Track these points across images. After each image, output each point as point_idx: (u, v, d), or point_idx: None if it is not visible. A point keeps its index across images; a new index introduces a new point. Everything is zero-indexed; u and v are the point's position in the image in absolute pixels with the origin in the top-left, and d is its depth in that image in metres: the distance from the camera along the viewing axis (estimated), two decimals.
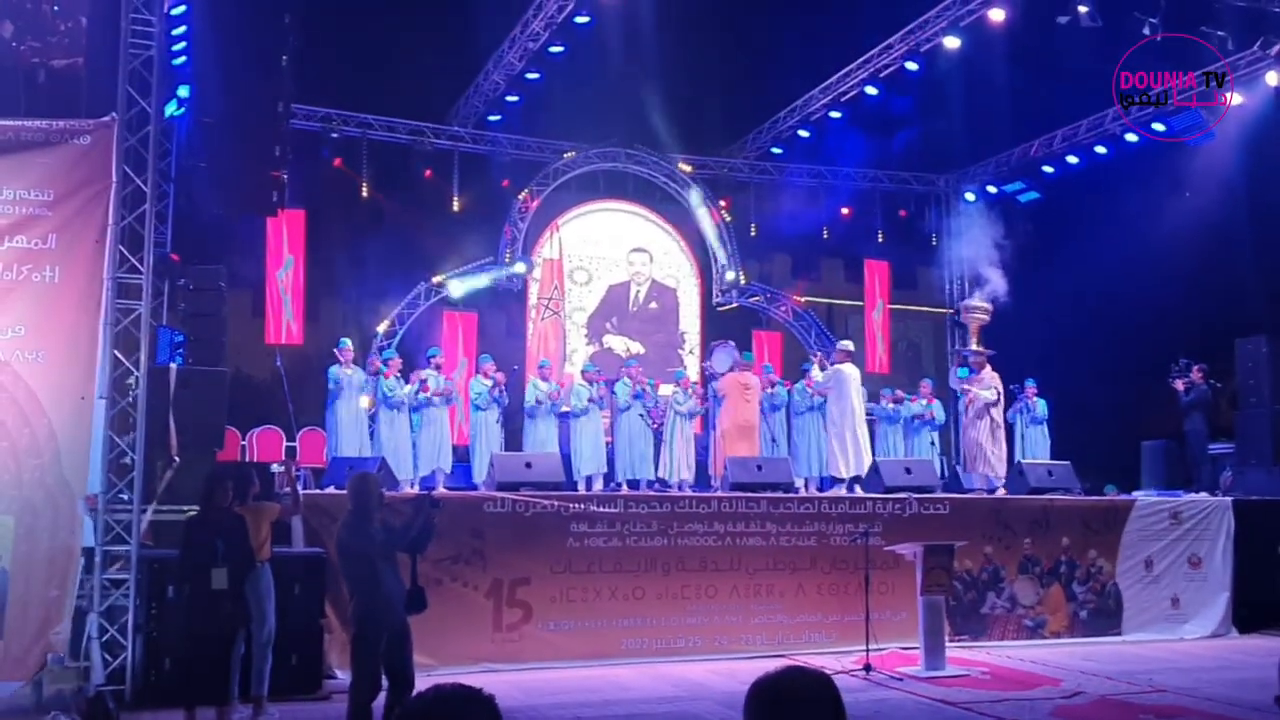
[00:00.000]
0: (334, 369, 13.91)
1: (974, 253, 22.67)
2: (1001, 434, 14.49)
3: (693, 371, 19.52)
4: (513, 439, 15.21)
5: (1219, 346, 16.18)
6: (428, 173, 19.18)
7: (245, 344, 17.84)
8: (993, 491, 13.64)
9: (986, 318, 15.63)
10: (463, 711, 1.88)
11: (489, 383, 14.60)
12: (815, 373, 15.19)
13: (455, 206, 19.51)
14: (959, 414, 17.29)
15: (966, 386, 14.38)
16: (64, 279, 8.88)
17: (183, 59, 12.93)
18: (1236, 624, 13.18)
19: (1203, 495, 14.17)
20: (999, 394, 14.50)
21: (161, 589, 9.07)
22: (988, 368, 14.60)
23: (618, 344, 20.76)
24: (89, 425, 8.97)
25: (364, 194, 18.80)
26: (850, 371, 14.92)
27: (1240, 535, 13.32)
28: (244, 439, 16.37)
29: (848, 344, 15.71)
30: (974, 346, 14.98)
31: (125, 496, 9.22)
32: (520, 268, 19.77)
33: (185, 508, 9.26)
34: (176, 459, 10.10)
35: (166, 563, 8.86)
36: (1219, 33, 15.24)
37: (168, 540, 9.18)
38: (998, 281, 16.77)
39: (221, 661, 7.86)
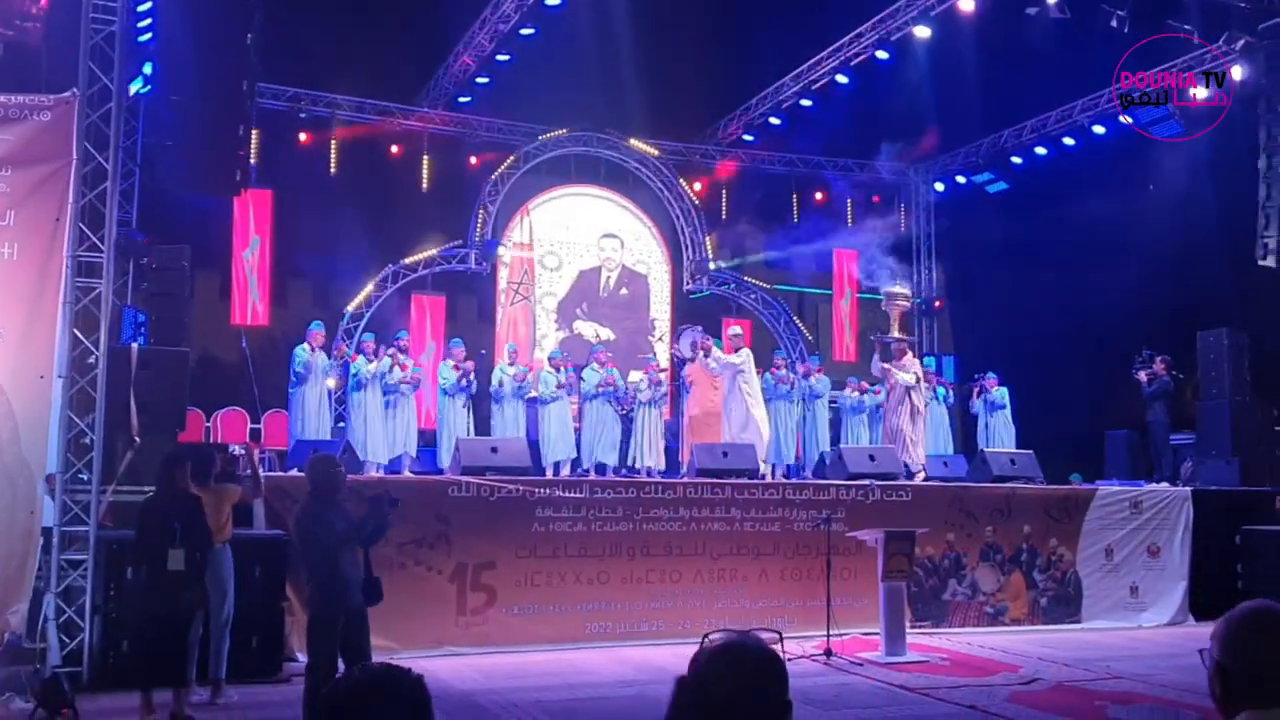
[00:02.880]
0: (300, 350, 13.81)
1: (941, 243, 22.91)
2: (922, 420, 14.58)
3: (663, 358, 19.57)
4: (481, 424, 15.20)
5: (1182, 338, 16.33)
6: (395, 150, 19.00)
7: (212, 325, 17.73)
8: (911, 477, 13.70)
9: (907, 304, 15.75)
10: (388, 691, 1.87)
11: (458, 371, 14.56)
12: (716, 353, 15.19)
13: (424, 188, 19.40)
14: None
15: (887, 367, 14.51)
16: (22, 256, 8.78)
17: (148, 36, 12.81)
18: (1194, 612, 13.31)
19: (1163, 485, 14.32)
20: (919, 379, 14.63)
21: (120, 570, 9.00)
22: (909, 354, 14.71)
23: (587, 330, 20.73)
24: (48, 404, 8.89)
25: (332, 174, 18.66)
26: (751, 355, 15.05)
27: (1199, 525, 13.48)
28: (208, 420, 16.28)
29: (738, 328, 15.79)
30: (895, 334, 15.05)
31: (84, 477, 9.12)
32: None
33: (145, 488, 9.17)
34: (137, 439, 10.03)
35: (125, 544, 8.79)
36: (1185, 26, 15.33)
37: (128, 521, 9.10)
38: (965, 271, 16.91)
39: (179, 643, 7.81)
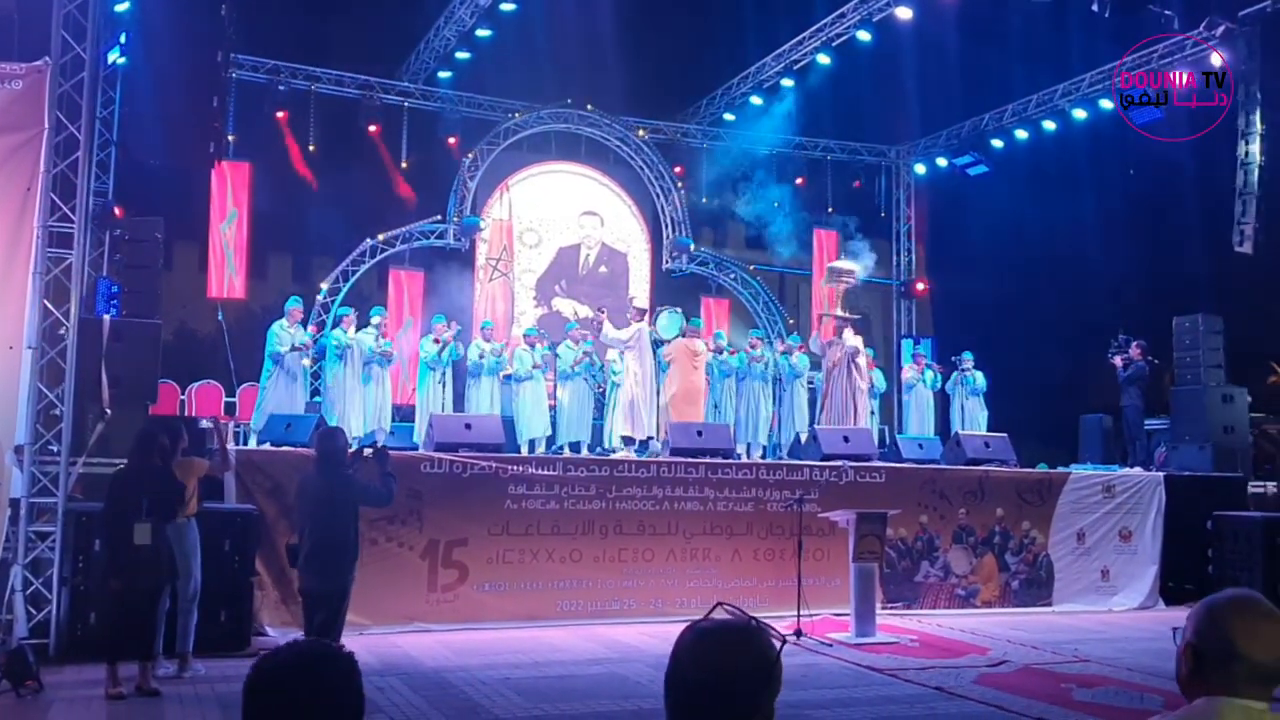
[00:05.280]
0: (277, 325, 13.75)
1: (921, 226, 22.94)
2: (864, 399, 14.63)
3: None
4: (458, 401, 15.16)
5: (1158, 323, 16.39)
6: (373, 126, 18.87)
7: (191, 298, 17.65)
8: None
9: (854, 281, 15.68)
10: (318, 670, 1.85)
11: (439, 344, 14.52)
12: (607, 327, 15.17)
13: (403, 163, 19.28)
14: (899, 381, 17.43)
15: (825, 343, 14.56)
16: None
17: (125, 5, 12.65)
18: (1164, 596, 13.44)
19: (1136, 470, 14.39)
20: (860, 351, 14.69)
21: (89, 542, 8.98)
22: (850, 330, 14.74)
23: (566, 307, 20.65)
24: (17, 375, 8.83)
25: (310, 149, 18.51)
26: (647, 330, 15.02)
27: (1171, 510, 13.56)
28: (183, 393, 16.21)
29: (642, 301, 15.76)
30: (839, 311, 15.02)
31: (54, 448, 9.09)
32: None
33: (116, 461, 9.15)
34: (108, 411, 9.98)
35: (94, 516, 8.77)
36: (1166, 11, 15.33)
37: (98, 493, 9.07)
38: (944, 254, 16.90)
39: (146, 616, 7.79)
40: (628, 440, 14.34)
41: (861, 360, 14.61)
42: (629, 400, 14.49)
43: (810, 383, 17.38)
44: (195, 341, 18.03)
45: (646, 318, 15.43)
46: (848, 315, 15.02)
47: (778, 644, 1.92)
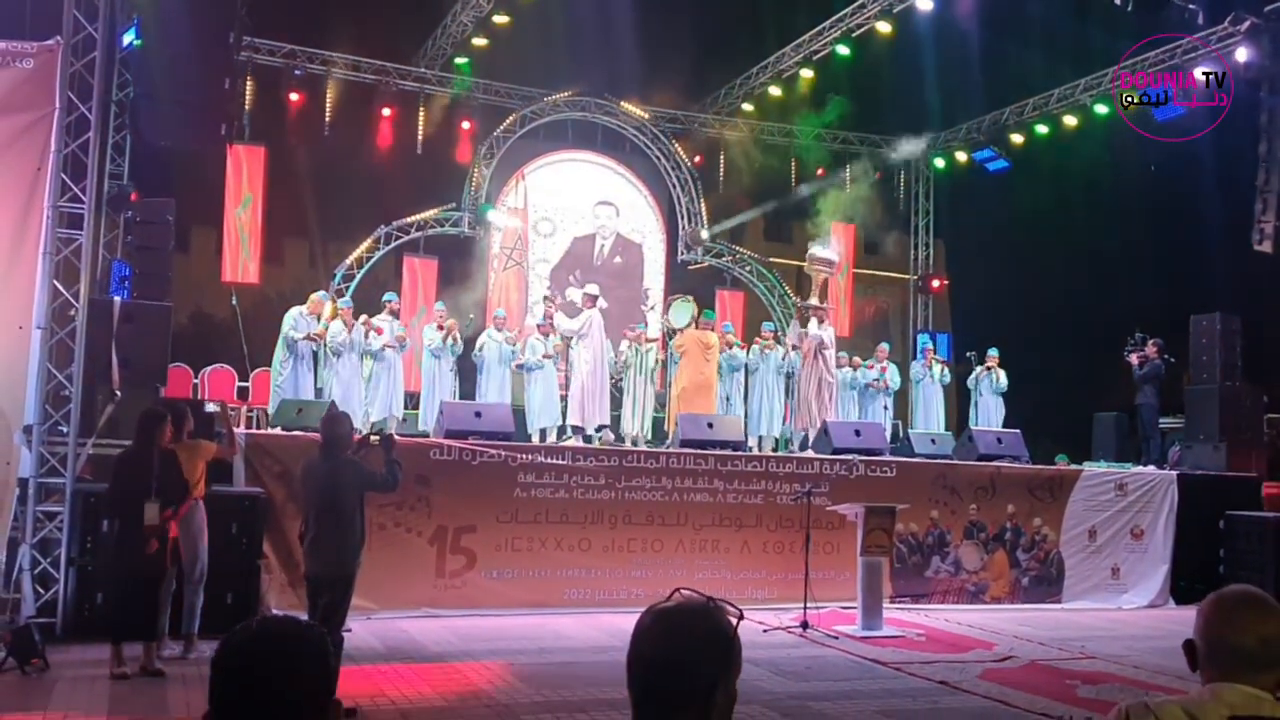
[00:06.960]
0: (295, 310, 13.76)
1: (939, 220, 22.81)
2: (830, 391, 14.54)
3: (654, 329, 19.46)
4: (467, 389, 15.15)
5: (1176, 322, 16.25)
6: (389, 111, 18.84)
7: (207, 281, 17.68)
8: (806, 447, 13.66)
9: (831, 270, 15.51)
10: (286, 647, 1.82)
11: (441, 331, 14.53)
12: (559, 318, 15.11)
13: (419, 150, 19.25)
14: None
15: (803, 332, 14.47)
16: (1, 205, 8.71)
17: None
18: (1175, 596, 13.34)
19: (1149, 468, 14.28)
20: (832, 343, 14.59)
21: (96, 523, 9.00)
22: (825, 322, 14.62)
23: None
24: (26, 355, 8.86)
25: (326, 134, 18.49)
26: (599, 317, 14.92)
27: (1183, 509, 13.46)
28: (196, 377, 16.23)
29: (594, 288, 15.70)
30: (814, 300, 14.91)
31: (63, 429, 9.12)
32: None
33: (126, 442, 9.14)
34: (118, 393, 9.99)
35: (102, 496, 8.77)
36: (1190, 6, 15.18)
37: (107, 474, 9.07)
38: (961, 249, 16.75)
39: (150, 597, 7.80)
40: (576, 429, 14.32)
41: (829, 351, 14.52)
42: (579, 389, 14.47)
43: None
44: (210, 325, 18.07)
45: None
46: (822, 305, 14.87)
47: (735, 621, 1.91)
